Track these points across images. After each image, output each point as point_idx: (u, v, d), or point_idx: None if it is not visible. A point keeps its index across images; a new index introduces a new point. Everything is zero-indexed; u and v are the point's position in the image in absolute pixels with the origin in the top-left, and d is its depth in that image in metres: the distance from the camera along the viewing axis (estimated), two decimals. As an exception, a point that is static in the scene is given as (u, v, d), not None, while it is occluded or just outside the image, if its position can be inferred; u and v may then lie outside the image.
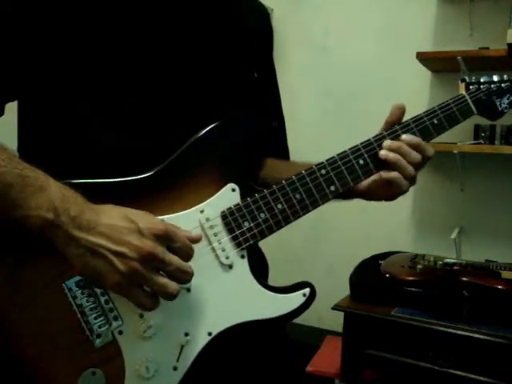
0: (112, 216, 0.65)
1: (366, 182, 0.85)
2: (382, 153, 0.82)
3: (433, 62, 2.23)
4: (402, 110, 0.85)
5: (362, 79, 2.50)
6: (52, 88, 0.74)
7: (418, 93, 2.36)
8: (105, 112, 0.74)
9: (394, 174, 0.82)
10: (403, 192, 0.84)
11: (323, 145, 2.58)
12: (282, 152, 1.03)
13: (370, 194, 0.86)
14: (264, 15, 0.99)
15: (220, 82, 0.84)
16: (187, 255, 0.68)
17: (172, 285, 0.65)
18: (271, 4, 2.62)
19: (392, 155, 0.82)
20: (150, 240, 0.64)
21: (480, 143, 2.10)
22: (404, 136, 0.83)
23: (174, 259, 0.65)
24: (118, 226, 0.64)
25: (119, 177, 0.72)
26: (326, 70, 2.62)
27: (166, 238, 0.66)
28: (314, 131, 2.64)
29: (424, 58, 2.17)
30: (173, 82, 0.79)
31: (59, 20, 0.71)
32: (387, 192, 0.84)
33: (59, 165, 0.73)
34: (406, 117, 0.85)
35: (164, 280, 0.65)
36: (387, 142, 0.83)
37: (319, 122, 2.65)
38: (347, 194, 0.85)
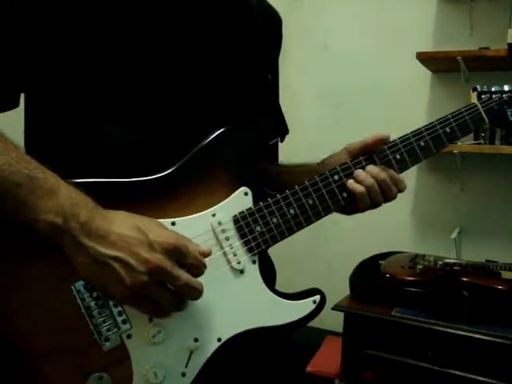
0: (123, 225, 0.63)
1: None
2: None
3: (433, 62, 2.22)
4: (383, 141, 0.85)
5: (362, 79, 2.49)
6: (60, 82, 0.71)
7: (417, 93, 2.34)
8: (112, 110, 0.73)
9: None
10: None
11: (323, 145, 2.58)
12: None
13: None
14: (277, 19, 0.97)
15: (232, 81, 0.83)
16: (198, 271, 0.67)
17: (172, 304, 0.65)
18: (271, 4, 2.62)
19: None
20: (159, 253, 0.63)
21: (480, 143, 2.09)
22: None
23: (183, 275, 0.64)
24: (128, 236, 0.63)
25: (126, 174, 0.71)
26: (326, 69, 2.61)
27: (177, 253, 0.65)
28: (314, 131, 2.64)
29: (424, 58, 2.17)
30: (181, 81, 0.77)
31: (67, 15, 0.69)
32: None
33: (67, 160, 0.72)
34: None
35: (169, 297, 0.65)
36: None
37: (319, 121, 2.64)
38: None
